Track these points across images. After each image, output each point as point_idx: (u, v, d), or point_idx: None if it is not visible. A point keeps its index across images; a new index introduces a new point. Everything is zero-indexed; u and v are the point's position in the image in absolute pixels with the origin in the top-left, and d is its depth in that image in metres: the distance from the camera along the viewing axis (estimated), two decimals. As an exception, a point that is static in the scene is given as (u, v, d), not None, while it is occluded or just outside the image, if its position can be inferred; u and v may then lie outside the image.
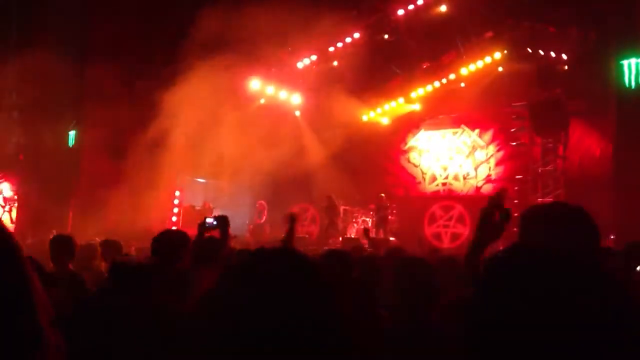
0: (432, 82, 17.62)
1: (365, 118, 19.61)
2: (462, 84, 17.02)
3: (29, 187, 15.93)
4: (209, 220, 4.38)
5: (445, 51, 16.95)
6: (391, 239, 15.18)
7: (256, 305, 1.04)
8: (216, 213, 17.02)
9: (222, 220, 4.24)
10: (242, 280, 1.11)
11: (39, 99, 15.67)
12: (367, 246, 9.26)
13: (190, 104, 16.50)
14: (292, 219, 5.03)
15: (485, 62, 16.30)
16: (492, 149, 17.80)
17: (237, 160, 18.92)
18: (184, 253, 3.74)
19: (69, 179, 15.20)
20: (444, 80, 17.34)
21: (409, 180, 19.22)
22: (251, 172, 19.54)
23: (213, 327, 1.07)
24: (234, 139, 18.21)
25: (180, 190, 17.83)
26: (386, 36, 16.45)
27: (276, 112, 18.25)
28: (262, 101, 17.90)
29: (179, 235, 4.13)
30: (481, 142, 18.04)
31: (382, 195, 16.46)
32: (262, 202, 17.15)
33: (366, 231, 9.85)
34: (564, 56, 14.91)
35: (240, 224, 16.78)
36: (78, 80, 15.54)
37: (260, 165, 19.02)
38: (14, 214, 16.80)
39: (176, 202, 17.65)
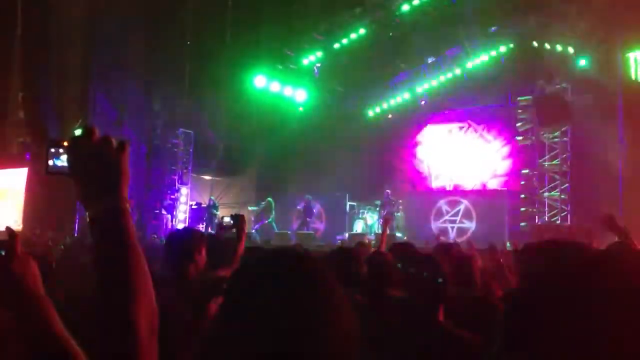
0: (437, 77, 17.60)
1: (371, 114, 19.60)
2: (468, 79, 16.99)
3: (35, 186, 16.00)
4: (226, 219, 4.35)
5: (450, 46, 16.92)
6: (397, 234, 15.17)
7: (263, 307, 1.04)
8: (221, 211, 17.09)
9: (239, 219, 4.19)
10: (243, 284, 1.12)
11: (45, 98, 15.73)
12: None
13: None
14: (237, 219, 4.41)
15: (491, 56, 16.24)
16: (498, 143, 17.76)
17: (242, 157, 18.99)
18: (199, 254, 3.33)
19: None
20: (450, 75, 17.31)
21: (416, 175, 19.18)
22: (257, 170, 19.62)
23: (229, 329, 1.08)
24: (240, 137, 18.28)
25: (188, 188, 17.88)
26: (391, 34, 16.44)
27: (281, 109, 18.25)
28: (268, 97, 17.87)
29: (194, 234, 3.54)
30: (487, 137, 18.00)
31: (388, 191, 16.45)
32: (269, 199, 17.16)
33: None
34: (570, 49, 14.84)
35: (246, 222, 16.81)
36: (84, 77, 15.59)
37: (266, 162, 19.09)
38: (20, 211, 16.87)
39: (183, 199, 17.69)
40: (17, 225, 15.42)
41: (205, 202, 17.71)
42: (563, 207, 15.63)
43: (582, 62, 14.75)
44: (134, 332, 1.13)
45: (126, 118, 15.59)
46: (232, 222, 4.20)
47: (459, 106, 18.30)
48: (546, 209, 15.93)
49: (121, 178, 1.25)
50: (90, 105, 15.46)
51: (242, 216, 4.24)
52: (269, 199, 17.07)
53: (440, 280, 2.77)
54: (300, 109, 18.69)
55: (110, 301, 1.16)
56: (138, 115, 16.09)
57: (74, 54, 15.95)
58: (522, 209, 16.18)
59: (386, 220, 7.34)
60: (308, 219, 16.80)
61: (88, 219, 1.22)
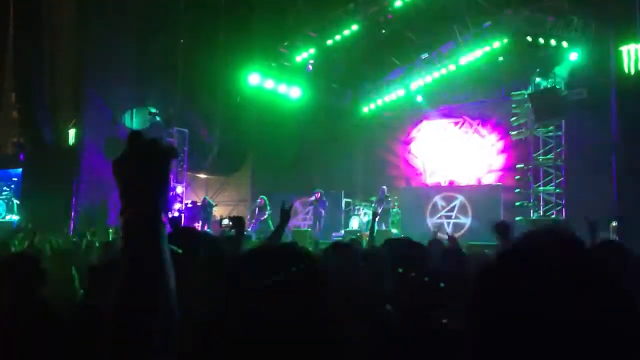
0: (431, 73, 17.59)
1: (365, 110, 19.58)
2: (462, 74, 16.99)
3: (29, 186, 15.94)
4: (225, 221, 4.37)
5: (444, 41, 16.92)
6: (393, 231, 15.17)
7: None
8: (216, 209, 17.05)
9: (238, 221, 4.20)
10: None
11: (39, 98, 15.67)
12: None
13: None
14: (285, 212, 4.49)
15: (485, 51, 16.25)
16: (493, 138, 17.80)
17: (237, 155, 18.95)
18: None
19: (69, 178, 15.16)
20: (444, 71, 17.31)
21: (411, 171, 19.21)
22: (252, 168, 19.58)
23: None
24: (234, 135, 18.24)
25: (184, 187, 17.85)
26: (383, 31, 16.44)
27: (276, 106, 18.19)
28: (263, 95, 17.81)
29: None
30: (482, 132, 18.04)
31: (384, 187, 16.45)
32: (264, 197, 17.11)
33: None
34: (564, 44, 14.87)
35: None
36: (78, 77, 15.53)
37: (261, 160, 19.05)
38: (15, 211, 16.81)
39: (178, 198, 17.65)
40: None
41: (200, 201, 17.67)
42: (558, 201, 15.67)
43: (576, 56, 14.79)
44: (143, 342, 1.14)
45: (121, 117, 15.55)
46: (230, 223, 4.21)
47: (453, 102, 18.33)
48: (541, 203, 15.96)
49: (161, 187, 1.26)
50: (84, 105, 15.39)
51: (242, 218, 4.24)
52: (263, 196, 16.99)
53: (442, 285, 2.72)
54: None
55: (125, 311, 1.16)
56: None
57: (67, 53, 15.89)
58: (517, 203, 16.20)
59: (374, 215, 7.34)
60: (322, 210, 16.48)
61: (122, 221, 1.22)
